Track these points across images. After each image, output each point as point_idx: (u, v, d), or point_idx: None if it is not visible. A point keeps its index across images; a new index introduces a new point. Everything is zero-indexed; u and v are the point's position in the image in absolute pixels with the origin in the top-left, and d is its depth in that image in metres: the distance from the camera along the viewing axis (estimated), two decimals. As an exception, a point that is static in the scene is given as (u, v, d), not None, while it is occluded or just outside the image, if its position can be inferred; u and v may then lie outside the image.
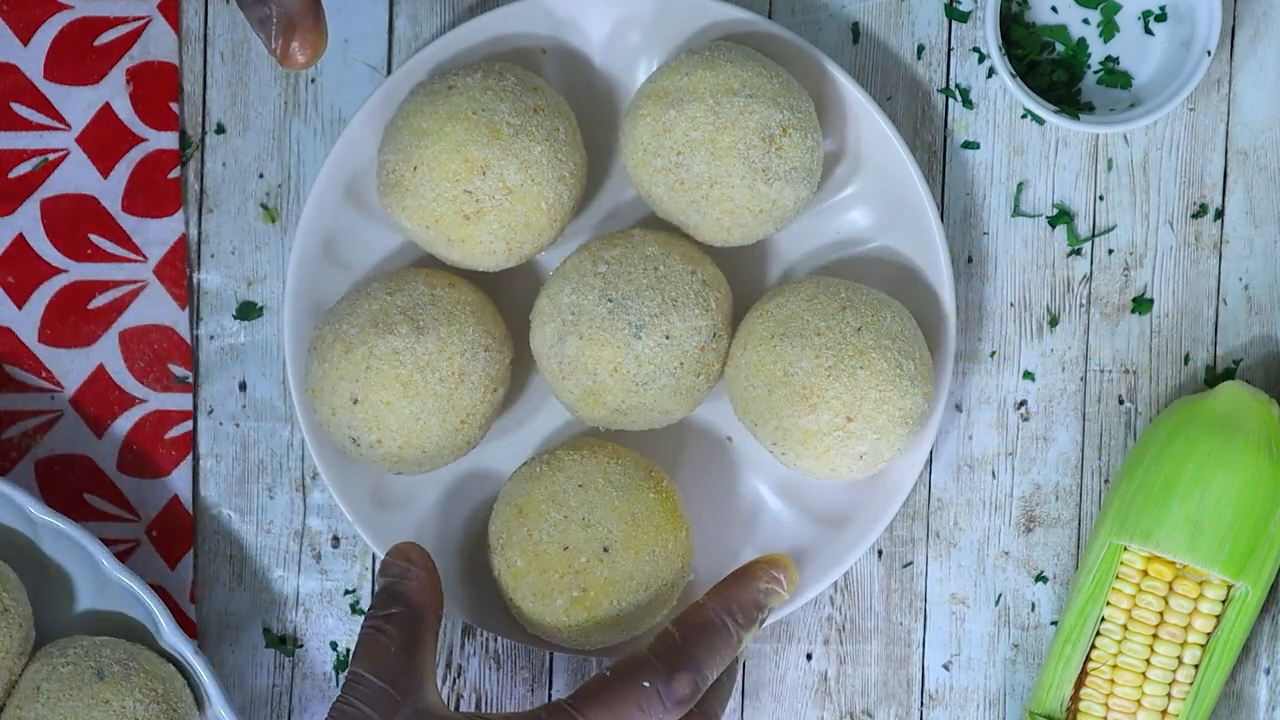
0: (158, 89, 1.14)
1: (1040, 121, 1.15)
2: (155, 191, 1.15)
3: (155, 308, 1.15)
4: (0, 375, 1.15)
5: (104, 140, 1.14)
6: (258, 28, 0.95)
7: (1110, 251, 1.15)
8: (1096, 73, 1.14)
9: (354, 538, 1.16)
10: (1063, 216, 1.15)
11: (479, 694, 1.16)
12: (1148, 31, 1.14)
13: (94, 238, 1.14)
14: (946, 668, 1.16)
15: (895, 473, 1.12)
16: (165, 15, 1.14)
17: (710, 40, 1.11)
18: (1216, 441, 1.10)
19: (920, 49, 1.15)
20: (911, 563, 1.16)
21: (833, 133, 1.12)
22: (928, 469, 1.16)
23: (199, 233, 1.16)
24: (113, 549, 1.13)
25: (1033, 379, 1.16)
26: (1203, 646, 1.11)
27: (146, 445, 1.15)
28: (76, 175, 1.14)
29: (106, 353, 1.15)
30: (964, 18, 1.15)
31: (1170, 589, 1.11)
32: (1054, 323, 1.15)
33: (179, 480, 1.15)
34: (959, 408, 1.16)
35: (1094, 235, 1.15)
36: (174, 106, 1.15)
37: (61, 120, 1.14)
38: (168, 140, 1.15)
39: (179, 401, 1.15)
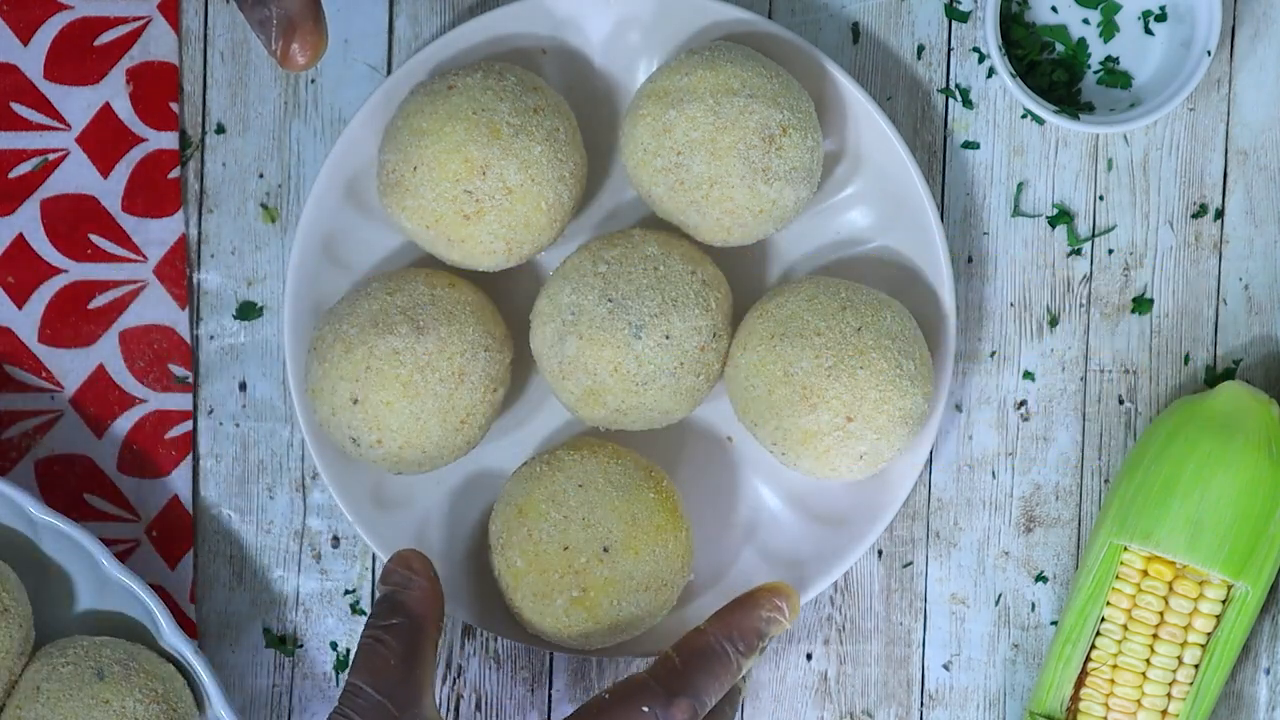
0: (158, 89, 1.14)
1: (1040, 121, 1.15)
2: (155, 191, 1.15)
3: (155, 308, 1.15)
4: (0, 375, 1.15)
5: (104, 140, 1.14)
6: (258, 29, 0.95)
7: (1110, 251, 1.15)
8: (1096, 73, 1.14)
9: (354, 538, 1.16)
10: (1063, 216, 1.15)
11: (479, 694, 1.16)
12: (1148, 31, 1.14)
13: (94, 238, 1.14)
14: (946, 668, 1.16)
15: (895, 473, 1.12)
16: (165, 15, 1.14)
17: (710, 40, 1.11)
18: (1216, 441, 1.10)
19: (920, 49, 1.15)
20: (911, 563, 1.16)
21: (833, 133, 1.12)
22: (928, 469, 1.16)
23: (199, 233, 1.16)
24: (113, 549, 1.13)
25: (1033, 379, 1.16)
26: (1203, 646, 1.11)
27: (146, 445, 1.15)
28: (76, 175, 1.14)
29: (106, 353, 1.15)
30: (964, 18, 1.15)
31: (1170, 589, 1.11)
32: (1054, 323, 1.15)
33: (179, 480, 1.15)
34: (959, 408, 1.16)
35: (1094, 235, 1.15)
36: (174, 106, 1.15)
37: (61, 120, 1.14)
38: (168, 140, 1.14)
39: (179, 401, 1.15)
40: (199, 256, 1.16)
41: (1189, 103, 1.15)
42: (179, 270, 1.15)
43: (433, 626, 1.04)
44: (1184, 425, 1.11)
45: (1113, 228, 1.15)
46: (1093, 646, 1.12)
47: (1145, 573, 1.11)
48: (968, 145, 1.15)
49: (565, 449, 1.10)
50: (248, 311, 1.15)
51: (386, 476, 1.13)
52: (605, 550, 1.07)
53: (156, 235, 1.15)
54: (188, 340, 1.15)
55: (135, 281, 1.15)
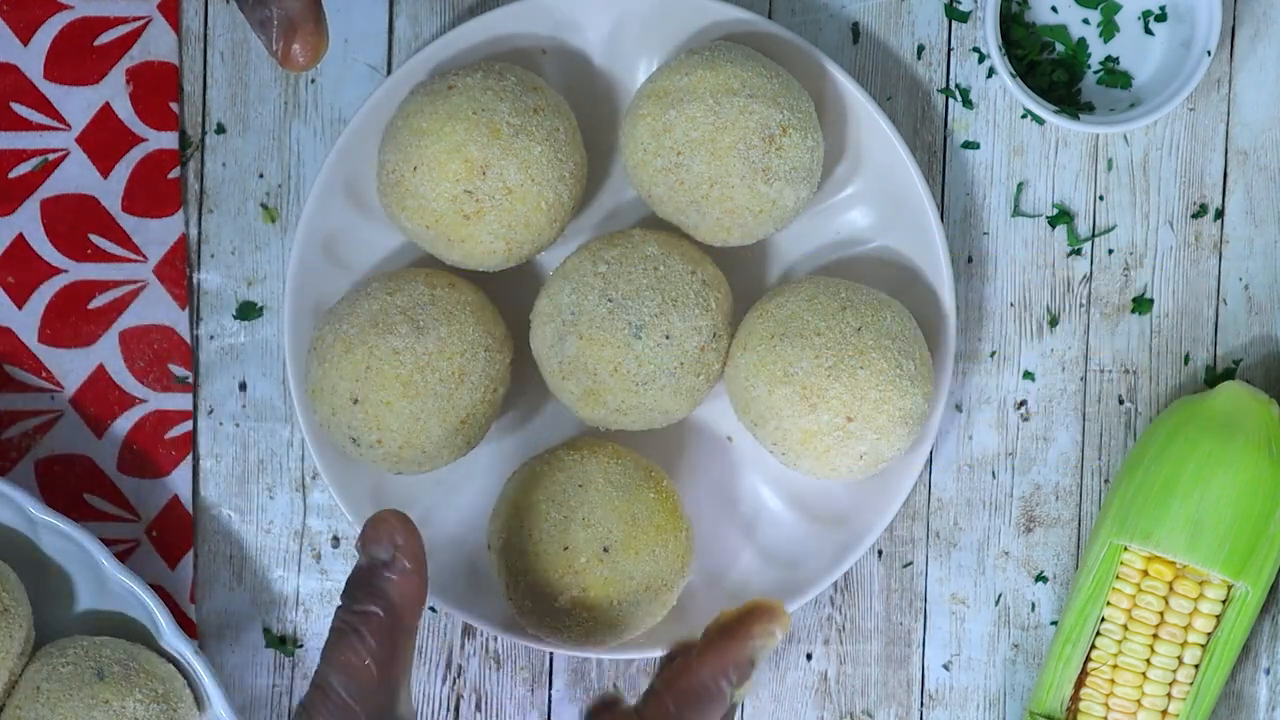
0: (158, 89, 1.14)
1: (1040, 121, 1.15)
2: (155, 191, 1.15)
3: (155, 308, 1.15)
4: (0, 375, 1.14)
5: (104, 140, 1.14)
6: (258, 29, 0.95)
7: (1110, 251, 1.15)
8: (1096, 73, 1.14)
9: (354, 538, 1.16)
10: (1063, 216, 1.15)
11: (479, 694, 1.16)
12: (1148, 31, 1.14)
13: (94, 238, 1.14)
14: (946, 668, 1.16)
15: (895, 473, 1.12)
16: (165, 15, 1.14)
17: (710, 40, 1.11)
18: (1216, 441, 1.10)
19: (920, 49, 1.15)
20: (911, 563, 1.16)
21: (833, 133, 1.12)
22: (928, 469, 1.16)
23: (199, 233, 1.16)
24: (113, 549, 1.13)
25: (1033, 379, 1.16)
26: (1203, 646, 1.11)
27: (146, 445, 1.15)
28: (76, 175, 1.14)
29: (106, 353, 1.15)
30: (964, 18, 1.15)
31: (1170, 589, 1.11)
32: (1054, 323, 1.15)
33: (179, 480, 1.15)
34: (959, 408, 1.16)
35: (1094, 235, 1.15)
36: (174, 106, 1.14)
37: (61, 120, 1.14)
38: (168, 140, 1.14)
39: (179, 401, 1.15)
40: (199, 256, 1.16)
41: (1189, 103, 1.15)
42: (179, 270, 1.15)
43: (413, 617, 0.98)
44: (1184, 425, 1.11)
45: (1113, 228, 1.15)
46: (1093, 646, 1.12)
47: (1145, 573, 1.11)
48: (968, 145, 1.15)
49: (565, 449, 1.10)
50: (248, 311, 1.15)
51: (386, 476, 1.13)
52: (605, 550, 1.07)
53: (156, 235, 1.15)
54: (188, 340, 1.15)
55: (135, 281, 1.15)
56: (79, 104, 1.14)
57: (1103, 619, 1.12)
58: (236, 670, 1.16)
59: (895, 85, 1.15)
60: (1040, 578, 1.16)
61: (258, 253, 1.16)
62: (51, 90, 1.14)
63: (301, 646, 1.16)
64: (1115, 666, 1.11)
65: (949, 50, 1.15)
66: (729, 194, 1.07)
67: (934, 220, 1.11)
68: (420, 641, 1.16)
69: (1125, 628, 1.11)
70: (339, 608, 0.98)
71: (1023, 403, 1.16)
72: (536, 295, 1.10)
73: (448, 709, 1.16)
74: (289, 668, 1.16)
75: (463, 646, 1.16)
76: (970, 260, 1.15)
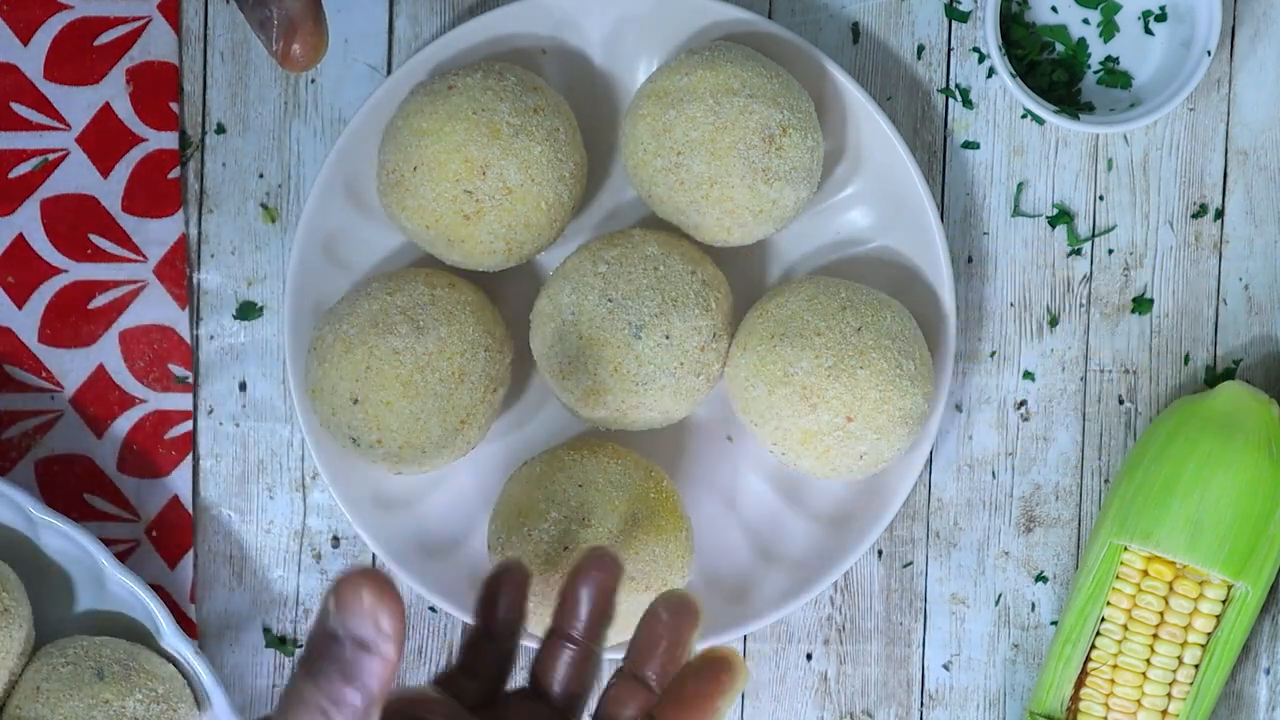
0: (158, 89, 1.14)
1: (1040, 121, 1.15)
2: (155, 191, 1.15)
3: (155, 308, 1.15)
4: (0, 375, 1.14)
5: (104, 140, 1.14)
6: (258, 29, 0.95)
7: (1110, 251, 1.15)
8: (1096, 73, 1.14)
9: (354, 538, 1.16)
10: (1063, 216, 1.15)
11: (479, 694, 1.16)
12: (1148, 31, 1.14)
13: (94, 238, 1.14)
14: (946, 668, 1.16)
15: (895, 473, 1.12)
16: (165, 15, 1.14)
17: (710, 40, 1.11)
18: (1216, 441, 1.10)
19: (920, 49, 1.15)
20: (911, 563, 1.16)
21: (833, 133, 1.12)
22: (928, 469, 1.16)
23: (199, 233, 1.16)
24: (113, 549, 1.13)
25: (1033, 379, 1.16)
26: (1203, 646, 1.11)
27: (146, 445, 1.15)
28: (76, 175, 1.14)
29: (106, 353, 1.15)
30: (964, 18, 1.15)
31: (1170, 589, 1.11)
32: (1054, 323, 1.15)
33: (179, 480, 1.15)
34: (959, 408, 1.16)
35: (1094, 235, 1.15)
36: (174, 106, 1.14)
37: (61, 120, 1.14)
38: (168, 140, 1.14)
39: (179, 401, 1.15)
40: (199, 256, 1.16)
41: (1189, 103, 1.15)
42: (179, 270, 1.15)
43: (383, 707, 0.80)
44: (1184, 425, 1.11)
45: (1113, 228, 1.15)
46: (1093, 646, 1.12)
47: (1145, 573, 1.11)
48: (968, 145, 1.15)
49: (565, 449, 1.10)
50: (248, 311, 1.15)
51: (386, 476, 1.13)
52: (605, 550, 1.07)
53: (156, 235, 1.15)
54: (188, 340, 1.15)
55: (135, 281, 1.15)
56: (79, 104, 1.14)
57: (1103, 619, 1.12)
58: (236, 670, 1.16)
59: (895, 85, 1.15)
60: (1040, 578, 1.16)
61: (258, 253, 1.16)
62: (51, 90, 1.14)
63: (301, 646, 1.16)
64: (1115, 666, 1.11)
65: (949, 50, 1.15)
66: (729, 194, 1.07)
67: (934, 220, 1.11)
68: (420, 641, 1.16)
69: (1125, 628, 1.11)
70: (302, 676, 0.78)
71: (1023, 403, 1.16)
72: (536, 295, 1.10)
73: (448, 709, 1.16)
74: (289, 668, 1.16)
75: (463, 646, 1.16)
76: (970, 260, 1.15)
